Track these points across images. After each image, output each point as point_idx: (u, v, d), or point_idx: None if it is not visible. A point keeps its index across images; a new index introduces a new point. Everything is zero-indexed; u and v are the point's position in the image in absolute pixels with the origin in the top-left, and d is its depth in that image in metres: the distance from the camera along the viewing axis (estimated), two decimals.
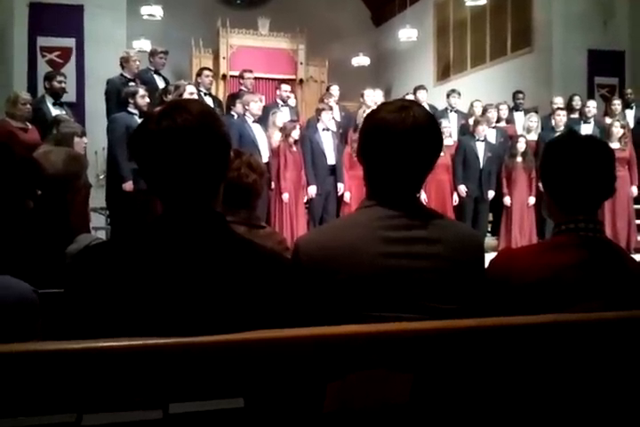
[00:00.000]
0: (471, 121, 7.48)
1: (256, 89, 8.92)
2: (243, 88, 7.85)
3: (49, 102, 6.10)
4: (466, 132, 7.51)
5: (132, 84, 6.25)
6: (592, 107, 7.67)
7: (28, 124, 5.54)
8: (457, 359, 1.17)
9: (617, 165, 1.66)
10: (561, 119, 7.36)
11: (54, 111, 6.02)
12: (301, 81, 12.29)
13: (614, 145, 6.77)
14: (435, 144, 1.46)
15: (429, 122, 1.44)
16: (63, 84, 6.22)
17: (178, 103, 1.27)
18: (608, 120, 7.64)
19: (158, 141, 1.18)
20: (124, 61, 6.52)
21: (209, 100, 6.92)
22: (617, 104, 7.90)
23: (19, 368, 0.98)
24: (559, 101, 7.96)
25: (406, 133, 1.40)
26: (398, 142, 1.40)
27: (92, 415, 0.97)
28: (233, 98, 7.60)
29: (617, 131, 7.11)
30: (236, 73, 9.47)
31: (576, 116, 7.82)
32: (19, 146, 4.81)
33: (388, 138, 1.41)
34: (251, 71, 8.11)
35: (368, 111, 1.65)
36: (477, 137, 7.14)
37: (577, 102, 7.94)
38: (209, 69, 7.58)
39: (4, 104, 5.60)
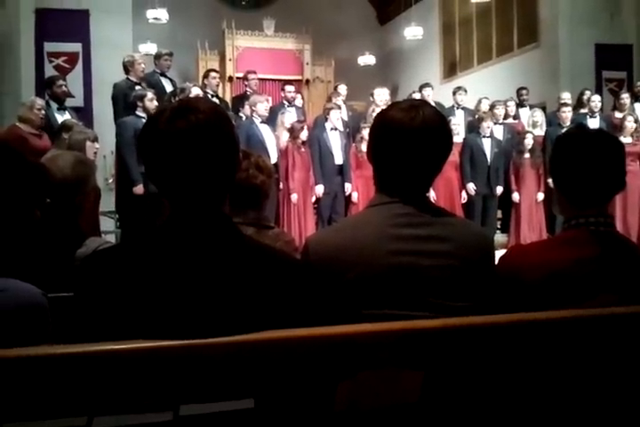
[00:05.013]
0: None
1: (263, 90, 8.92)
2: (247, 89, 7.87)
3: (54, 108, 6.11)
4: (473, 129, 7.48)
5: (138, 87, 6.25)
6: (597, 101, 7.63)
7: (40, 130, 5.55)
8: (468, 357, 1.16)
9: (628, 159, 1.64)
10: (566, 115, 7.29)
11: (59, 116, 6.04)
12: (307, 81, 12.30)
13: (626, 139, 6.72)
14: (443, 144, 1.45)
15: (439, 122, 1.44)
16: (64, 88, 6.22)
17: (187, 103, 1.23)
18: (618, 114, 7.58)
19: (168, 142, 1.16)
20: (129, 65, 6.49)
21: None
22: (625, 98, 7.84)
23: (29, 372, 0.98)
24: (566, 97, 7.91)
25: (414, 132, 1.39)
26: (406, 141, 1.40)
27: (102, 418, 0.97)
28: (239, 99, 7.62)
29: (630, 125, 7.05)
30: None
31: (586, 110, 7.76)
32: (29, 152, 4.84)
33: (396, 136, 1.41)
34: (254, 72, 8.13)
35: (377, 110, 1.65)
36: (482, 133, 7.10)
37: (587, 97, 7.88)
38: (215, 71, 7.60)
39: (19, 109, 5.63)
